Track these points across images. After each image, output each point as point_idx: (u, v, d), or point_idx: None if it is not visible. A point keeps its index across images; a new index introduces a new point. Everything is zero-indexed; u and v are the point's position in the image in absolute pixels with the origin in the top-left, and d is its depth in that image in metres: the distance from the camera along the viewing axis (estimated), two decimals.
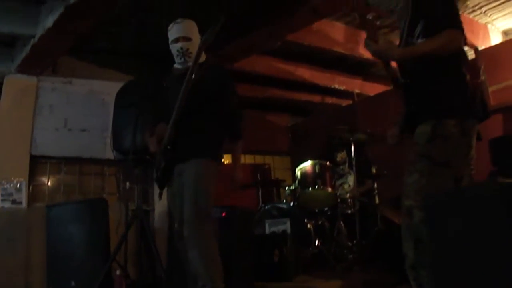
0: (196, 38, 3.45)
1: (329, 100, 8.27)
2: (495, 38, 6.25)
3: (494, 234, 1.85)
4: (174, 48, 3.50)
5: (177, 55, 3.52)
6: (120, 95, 5.11)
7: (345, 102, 8.23)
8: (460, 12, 5.08)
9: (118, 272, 4.21)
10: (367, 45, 2.66)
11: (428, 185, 2.44)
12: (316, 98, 8.18)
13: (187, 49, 3.46)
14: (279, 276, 4.39)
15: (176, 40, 3.48)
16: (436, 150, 2.49)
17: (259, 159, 8.82)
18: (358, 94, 7.78)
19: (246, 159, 8.55)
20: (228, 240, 3.68)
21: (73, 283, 4.29)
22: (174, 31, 3.48)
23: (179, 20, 3.49)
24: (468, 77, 2.56)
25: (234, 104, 3.55)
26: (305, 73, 7.11)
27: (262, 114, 8.64)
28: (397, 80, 2.78)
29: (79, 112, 5.61)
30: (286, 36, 5.23)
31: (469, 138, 2.50)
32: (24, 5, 4.62)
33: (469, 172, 2.62)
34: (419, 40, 2.58)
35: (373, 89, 7.69)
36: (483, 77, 5.78)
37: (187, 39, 3.46)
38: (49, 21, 4.31)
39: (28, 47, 4.87)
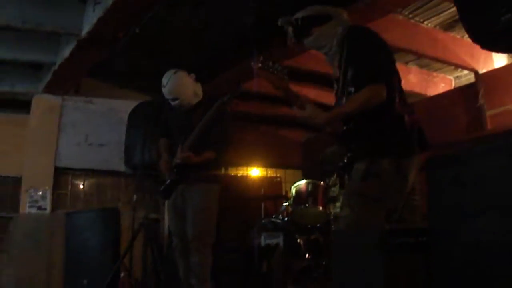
0: (185, 90, 4.01)
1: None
2: (499, 61, 6.04)
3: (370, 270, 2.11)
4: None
5: None
6: (131, 116, 5.67)
7: None
8: (460, 35, 5.22)
9: (122, 274, 4.69)
10: (296, 114, 2.85)
11: (358, 219, 2.62)
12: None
13: (178, 104, 4.02)
14: (266, 285, 4.73)
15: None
16: (368, 187, 2.63)
17: (271, 172, 9.16)
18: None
19: (260, 172, 8.92)
20: (218, 250, 4.08)
21: (85, 281, 4.85)
22: (164, 91, 4.03)
23: (165, 82, 3.99)
24: (405, 116, 2.69)
25: (227, 134, 4.05)
26: (310, 92, 7.45)
27: (275, 129, 8.98)
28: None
29: (98, 128, 6.23)
30: (282, 62, 5.59)
31: (404, 174, 2.65)
32: (46, 37, 5.20)
33: (412, 203, 2.77)
34: (350, 88, 2.72)
35: None
36: (481, 101, 5.98)
37: (175, 99, 4.01)
38: (66, 52, 4.96)
39: (51, 72, 5.50)
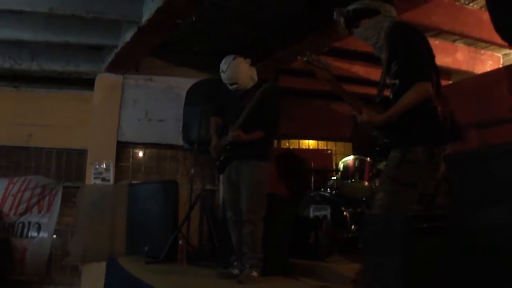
0: (242, 75, 4.26)
1: (386, 93, 8.66)
2: None
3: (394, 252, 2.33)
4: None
5: None
6: (189, 94, 6.02)
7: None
8: None
9: (181, 241, 5.04)
10: (354, 119, 3.06)
11: (391, 203, 2.85)
12: (373, 91, 8.61)
13: (235, 88, 4.29)
14: (313, 255, 4.92)
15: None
16: (402, 173, 2.86)
17: (322, 145, 9.38)
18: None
19: (310, 144, 9.16)
20: (268, 222, 4.33)
21: (146, 248, 5.28)
22: (223, 76, 4.29)
23: (224, 68, 4.25)
24: (439, 108, 2.90)
25: (274, 116, 4.33)
26: (360, 69, 7.61)
27: (326, 103, 9.17)
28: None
29: (158, 105, 6.65)
30: (330, 44, 5.81)
31: (436, 162, 2.86)
32: (108, 23, 5.51)
33: (443, 189, 2.97)
34: (393, 80, 2.98)
35: None
36: None
37: (233, 83, 4.29)
38: (127, 37, 5.31)
39: (113, 54, 5.90)
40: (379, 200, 2.96)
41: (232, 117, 4.28)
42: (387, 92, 3.18)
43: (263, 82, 4.23)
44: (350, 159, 6.10)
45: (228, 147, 4.26)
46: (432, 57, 3.04)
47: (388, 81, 3.09)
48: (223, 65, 4.26)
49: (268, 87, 4.05)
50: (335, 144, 9.27)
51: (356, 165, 6.02)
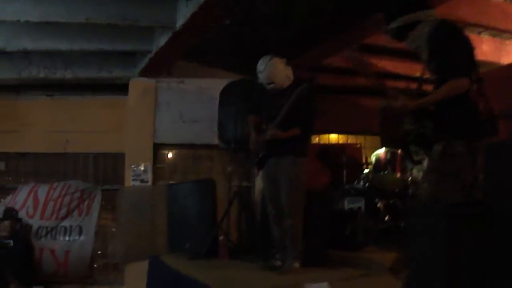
0: (279, 75, 4.39)
1: (413, 86, 8.71)
2: None
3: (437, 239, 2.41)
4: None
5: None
6: (222, 95, 6.18)
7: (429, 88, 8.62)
8: None
9: (222, 237, 5.18)
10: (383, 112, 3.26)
11: (434, 193, 2.98)
12: (401, 85, 8.67)
13: (272, 87, 4.43)
14: (349, 247, 5.01)
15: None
16: (444, 165, 2.98)
17: (351, 139, 9.49)
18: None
19: (340, 138, 9.26)
20: (306, 215, 4.45)
21: (187, 245, 5.42)
22: (260, 76, 4.44)
23: (261, 68, 4.38)
24: (481, 104, 3.02)
25: (311, 113, 4.47)
26: (387, 64, 7.70)
27: (355, 98, 9.25)
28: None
29: (191, 106, 6.85)
30: (359, 41, 5.93)
31: (475, 155, 2.96)
32: (141, 29, 5.73)
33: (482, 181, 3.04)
34: (432, 77, 3.12)
35: None
36: None
37: (270, 83, 4.42)
38: (161, 42, 5.49)
39: (147, 59, 6.11)
40: (424, 190, 3.13)
41: (269, 115, 4.42)
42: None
43: (298, 81, 4.36)
44: (381, 152, 6.22)
45: (266, 145, 4.40)
46: (472, 54, 3.13)
47: (427, 77, 3.25)
48: (260, 66, 4.40)
49: (306, 87, 4.18)
50: (364, 138, 9.33)
51: (388, 157, 6.12)
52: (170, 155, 7.00)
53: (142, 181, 6.56)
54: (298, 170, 4.35)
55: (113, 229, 6.83)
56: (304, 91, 4.18)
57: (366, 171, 6.53)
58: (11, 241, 6.13)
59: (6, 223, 6.25)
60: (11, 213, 6.42)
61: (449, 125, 3.06)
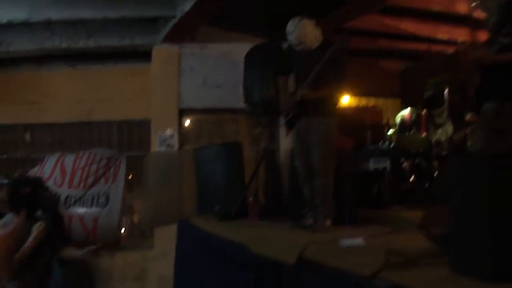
0: (309, 35, 4.38)
1: (435, 48, 8.68)
2: None
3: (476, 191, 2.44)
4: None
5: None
6: (247, 57, 6.17)
7: (451, 50, 8.55)
8: None
9: (251, 198, 5.30)
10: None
11: (483, 148, 3.14)
12: (422, 47, 8.63)
13: (301, 48, 4.43)
14: (377, 205, 5.15)
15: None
16: (495, 123, 3.13)
17: (372, 101, 9.45)
18: (463, 42, 8.07)
19: (361, 101, 9.26)
20: (335, 175, 4.49)
21: (216, 207, 5.51)
22: (290, 37, 4.43)
23: (291, 29, 4.38)
24: None
25: (341, 74, 4.48)
26: (409, 26, 7.64)
27: (375, 61, 9.23)
28: None
29: (214, 71, 6.89)
30: (384, 2, 5.93)
31: None
32: None
33: None
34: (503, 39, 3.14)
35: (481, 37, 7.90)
36: None
37: (300, 44, 4.42)
38: (186, 6, 5.48)
39: (170, 25, 6.13)
40: (471, 145, 3.16)
41: (299, 77, 4.45)
42: None
43: (327, 42, 4.38)
44: (406, 112, 6.23)
45: (297, 105, 4.44)
46: None
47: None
48: (290, 27, 4.40)
49: (338, 47, 4.20)
50: (385, 101, 9.31)
51: (413, 117, 6.14)
52: (195, 120, 7.05)
53: (168, 146, 6.65)
54: (328, 130, 4.39)
55: (140, 195, 6.93)
56: (337, 51, 4.20)
57: (390, 132, 6.55)
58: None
59: None
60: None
61: (505, 86, 3.13)
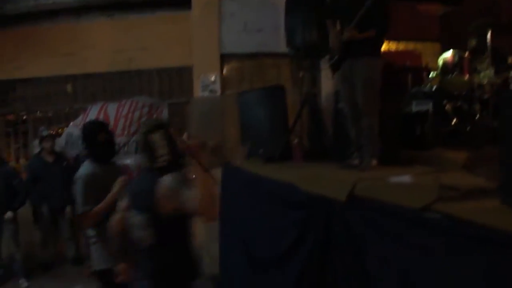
0: None
1: None
2: None
3: None
4: None
5: None
6: (289, 2, 6.13)
7: None
8: None
9: (295, 140, 5.39)
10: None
11: None
12: None
13: None
14: (420, 146, 5.17)
15: None
16: None
17: (410, 45, 9.32)
18: None
19: (399, 45, 9.16)
20: (380, 115, 4.52)
21: (261, 150, 5.62)
22: None
23: None
24: None
25: (386, 15, 4.48)
26: None
27: (414, 5, 9.07)
28: None
29: (255, 15, 6.93)
30: None
31: None
32: None
33: None
34: None
35: None
36: None
37: None
38: None
39: None
40: None
41: (345, 18, 4.45)
42: None
43: None
44: (449, 54, 6.16)
45: (342, 46, 4.46)
46: None
47: None
48: None
49: None
50: (424, 45, 9.17)
51: (456, 59, 6.08)
52: (236, 65, 7.09)
53: (211, 91, 6.75)
54: (373, 71, 4.42)
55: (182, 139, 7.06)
56: None
57: (431, 74, 6.50)
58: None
59: None
60: None
61: None
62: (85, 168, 4.00)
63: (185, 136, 2.73)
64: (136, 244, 3.00)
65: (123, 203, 3.18)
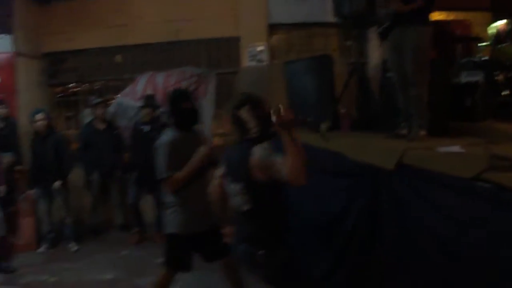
0: None
1: None
2: None
3: None
4: None
5: None
6: None
7: None
8: None
9: (343, 110, 5.40)
10: None
11: None
12: None
13: None
14: (470, 118, 5.08)
15: None
16: None
17: (461, 15, 9.13)
18: None
19: (449, 15, 8.96)
20: (429, 85, 4.47)
21: (310, 119, 5.61)
22: None
23: None
24: None
25: None
26: None
27: None
28: None
29: None
30: None
31: None
32: None
33: None
34: None
35: None
36: None
37: None
38: None
39: None
40: None
41: None
42: None
43: None
44: (502, 23, 6.03)
45: (391, 16, 4.43)
46: None
47: None
48: None
49: None
50: (475, 14, 8.94)
51: (508, 29, 5.93)
52: (284, 35, 7.11)
53: (258, 61, 6.80)
54: (423, 39, 4.37)
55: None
56: None
57: (483, 44, 6.38)
58: (149, 127, 6.46)
59: (147, 110, 6.49)
60: (151, 100, 6.62)
61: None
62: (169, 135, 4.01)
63: (280, 108, 2.79)
64: (234, 209, 3.14)
65: (219, 171, 3.31)
